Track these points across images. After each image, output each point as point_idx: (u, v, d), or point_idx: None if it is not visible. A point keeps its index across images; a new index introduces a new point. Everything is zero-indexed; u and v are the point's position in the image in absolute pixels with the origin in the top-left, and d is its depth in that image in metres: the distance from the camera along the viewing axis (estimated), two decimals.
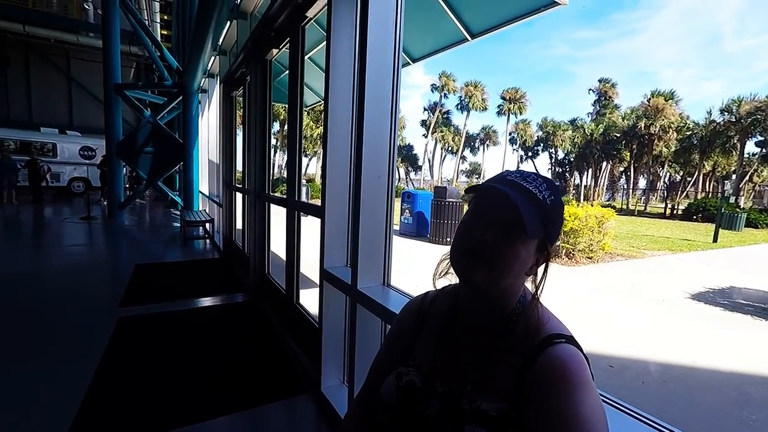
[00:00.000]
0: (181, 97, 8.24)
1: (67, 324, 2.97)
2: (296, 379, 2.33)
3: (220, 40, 5.21)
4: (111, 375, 2.27)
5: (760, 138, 23.77)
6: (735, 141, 24.11)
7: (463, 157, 48.36)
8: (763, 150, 25.81)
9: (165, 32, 15.49)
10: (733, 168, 27.29)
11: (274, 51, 3.18)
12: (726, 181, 20.63)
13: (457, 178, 44.13)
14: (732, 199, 20.16)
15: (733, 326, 4.25)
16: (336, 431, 1.86)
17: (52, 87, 15.44)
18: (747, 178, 29.44)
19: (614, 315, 4.47)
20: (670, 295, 5.36)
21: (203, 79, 7.31)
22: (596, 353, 3.32)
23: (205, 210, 7.81)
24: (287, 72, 4.74)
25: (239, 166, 4.97)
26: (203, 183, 8.66)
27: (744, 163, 26.80)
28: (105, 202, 10.93)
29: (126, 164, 8.66)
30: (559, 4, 2.25)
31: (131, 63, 15.06)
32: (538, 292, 0.63)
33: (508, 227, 0.56)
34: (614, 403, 0.87)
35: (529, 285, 0.65)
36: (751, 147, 27.26)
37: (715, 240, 11.62)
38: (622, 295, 5.25)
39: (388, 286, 1.75)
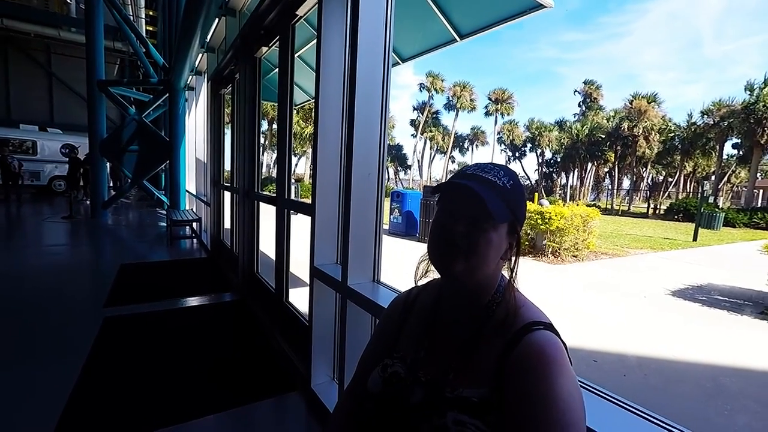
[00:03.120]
0: (167, 95, 8.12)
1: (51, 325, 2.91)
2: (286, 377, 2.33)
3: (208, 37, 5.16)
4: (97, 375, 2.24)
5: (737, 140, 24.56)
6: (714, 143, 24.87)
7: (452, 157, 48.69)
8: (740, 152, 26.67)
9: (150, 28, 15.20)
10: (713, 169, 28.13)
11: (264, 49, 3.17)
12: (705, 182, 21.26)
13: (446, 178, 44.39)
14: (711, 199, 20.77)
15: (710, 321, 4.40)
16: (326, 426, 1.88)
17: (32, 83, 14.96)
18: (725, 178, 30.42)
19: (598, 311, 4.58)
20: (651, 291, 5.52)
21: (190, 77, 7.22)
22: (581, 348, 3.41)
23: (192, 209, 7.71)
24: (276, 70, 4.71)
25: (227, 165, 4.93)
26: (190, 182, 8.55)
27: (723, 164, 27.68)
28: (87, 201, 10.69)
29: (110, 163, 8.47)
30: (545, 6, 2.31)
31: (115, 59, 14.73)
32: (513, 277, 0.66)
33: (476, 216, 0.60)
34: (594, 390, 0.91)
35: (505, 273, 0.68)
36: (729, 149, 28.14)
37: (695, 239, 11.98)
38: (606, 292, 5.39)
39: (377, 283, 1.77)
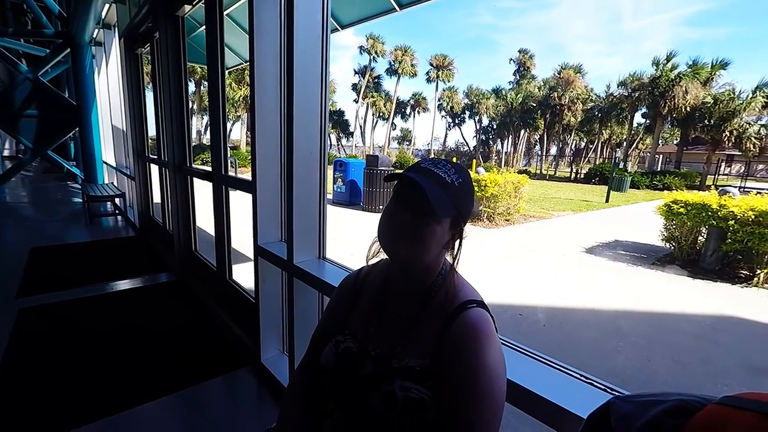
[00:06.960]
0: (68, 50, 6.98)
1: None
2: (234, 354, 2.34)
3: None
4: (18, 374, 2.06)
5: (645, 111, 27.53)
6: (627, 113, 27.61)
7: (394, 124, 48.59)
8: (647, 121, 30.01)
9: None
10: (625, 136, 31.40)
11: (187, 7, 2.86)
12: (618, 149, 23.78)
13: (388, 145, 44.43)
14: (621, 165, 23.33)
15: (614, 272, 5.13)
16: (279, 398, 1.95)
17: None
18: (634, 145, 34.20)
19: (525, 269, 5.10)
20: (569, 250, 6.24)
21: (97, 30, 6.27)
22: (509, 304, 3.82)
23: (112, 183, 6.97)
24: (203, 28, 4.28)
25: (152, 133, 4.49)
26: (107, 152, 7.65)
27: (633, 132, 30.99)
28: None
29: (2, 130, 7.23)
30: None
31: None
32: (455, 263, 0.74)
33: (422, 210, 0.66)
34: (516, 347, 1.07)
35: (449, 257, 0.76)
36: (639, 118, 31.44)
37: (607, 200, 13.53)
38: (533, 252, 5.98)
39: (323, 259, 1.81)
